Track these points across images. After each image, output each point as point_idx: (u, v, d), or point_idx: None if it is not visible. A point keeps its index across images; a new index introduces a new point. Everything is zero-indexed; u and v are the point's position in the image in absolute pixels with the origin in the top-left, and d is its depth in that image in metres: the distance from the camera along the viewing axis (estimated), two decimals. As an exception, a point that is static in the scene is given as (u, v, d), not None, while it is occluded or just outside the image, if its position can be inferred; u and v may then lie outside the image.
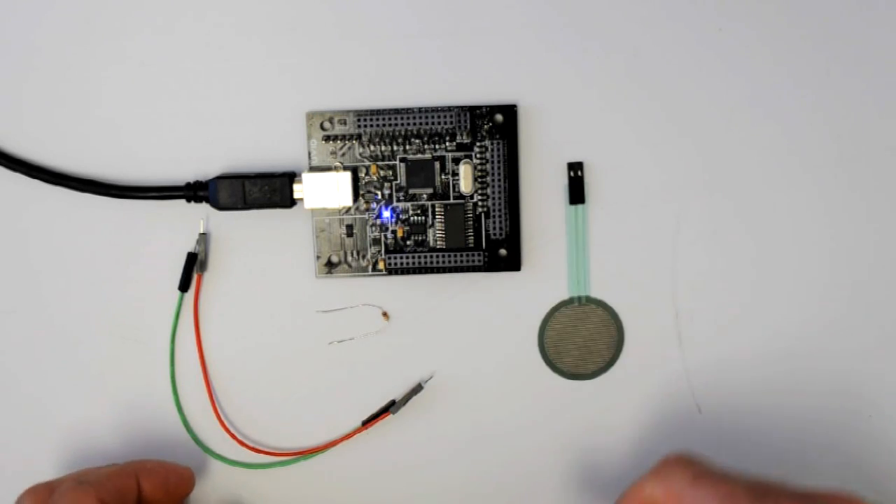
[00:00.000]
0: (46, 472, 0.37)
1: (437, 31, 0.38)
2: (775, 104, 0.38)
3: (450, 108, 0.38)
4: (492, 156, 0.38)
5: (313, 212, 0.38)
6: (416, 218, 0.38)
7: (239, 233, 0.39)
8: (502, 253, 0.38)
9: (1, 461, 0.40)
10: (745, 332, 0.39)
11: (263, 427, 0.40)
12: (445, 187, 0.38)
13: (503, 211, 0.38)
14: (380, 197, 0.38)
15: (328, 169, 0.38)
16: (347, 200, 0.38)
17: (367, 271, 0.38)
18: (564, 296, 0.39)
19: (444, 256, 0.38)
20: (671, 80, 0.38)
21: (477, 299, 0.39)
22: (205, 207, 0.38)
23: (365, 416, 0.39)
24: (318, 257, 0.38)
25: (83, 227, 0.39)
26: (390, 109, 0.38)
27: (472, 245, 0.38)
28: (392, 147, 0.38)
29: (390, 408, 0.39)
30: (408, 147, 0.38)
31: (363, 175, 0.38)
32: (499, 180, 0.38)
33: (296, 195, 0.38)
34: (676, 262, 0.39)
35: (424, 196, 0.38)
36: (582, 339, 0.39)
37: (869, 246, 0.39)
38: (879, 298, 0.39)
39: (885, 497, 0.39)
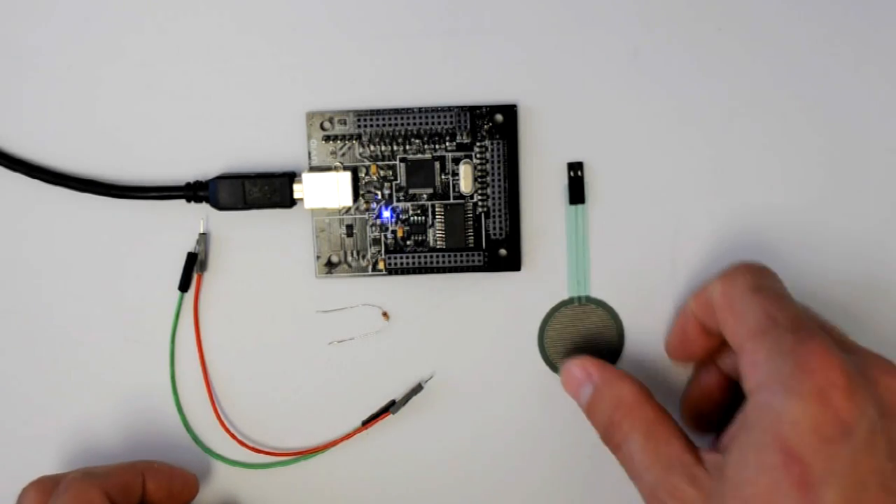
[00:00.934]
0: (46, 471, 0.37)
1: (437, 31, 0.38)
2: (775, 104, 0.38)
3: (450, 108, 0.38)
4: (492, 156, 0.38)
5: (313, 212, 0.38)
6: (416, 218, 0.38)
7: (239, 233, 0.39)
8: (502, 253, 0.38)
9: (2, 460, 0.40)
10: (745, 332, 0.39)
11: (263, 427, 0.40)
12: (445, 187, 0.38)
13: (503, 211, 0.38)
14: (380, 197, 0.38)
15: (328, 169, 0.38)
16: (347, 200, 0.38)
17: (367, 271, 0.38)
18: (564, 296, 0.39)
19: (444, 256, 0.38)
20: (671, 80, 0.38)
21: (477, 299, 0.39)
22: (205, 207, 0.38)
23: (365, 416, 0.39)
24: (318, 257, 0.38)
25: (83, 227, 0.39)
26: (390, 109, 0.38)
27: (472, 245, 0.38)
28: (392, 147, 0.38)
29: (390, 408, 0.39)
30: (408, 147, 0.38)
31: (363, 175, 0.38)
32: (499, 180, 0.38)
33: (296, 195, 0.38)
34: (676, 262, 0.39)
35: (424, 196, 0.38)
36: (582, 340, 0.39)
37: (869, 246, 0.39)
38: (879, 298, 0.39)
39: None
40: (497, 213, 0.38)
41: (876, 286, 0.39)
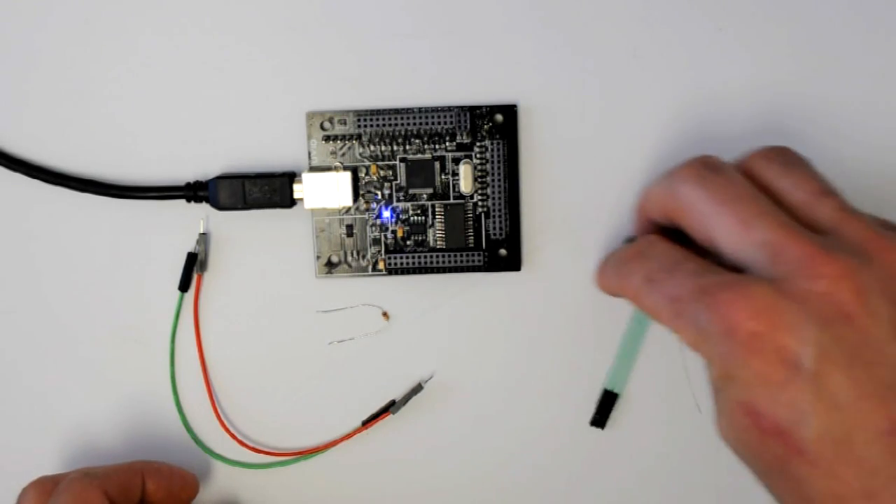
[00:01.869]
0: (47, 471, 0.37)
1: (437, 31, 0.38)
2: (775, 104, 0.38)
3: (450, 108, 0.38)
4: (492, 156, 0.38)
5: (313, 212, 0.38)
6: (416, 218, 0.38)
7: (239, 233, 0.39)
8: (502, 253, 0.38)
9: (1, 461, 0.40)
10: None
11: (263, 427, 0.40)
12: (445, 187, 0.38)
13: (503, 211, 0.38)
14: (380, 197, 0.38)
15: (328, 169, 0.38)
16: (347, 200, 0.38)
17: (367, 271, 0.38)
18: (564, 295, 0.39)
19: (444, 256, 0.38)
20: (671, 79, 0.38)
21: (477, 299, 0.39)
22: (205, 207, 0.38)
23: (365, 416, 0.39)
24: (318, 257, 0.38)
25: (83, 227, 0.39)
26: (390, 109, 0.38)
27: (472, 245, 0.38)
28: (392, 147, 0.38)
29: (390, 408, 0.39)
30: (408, 147, 0.38)
31: (363, 175, 0.38)
32: (499, 180, 0.38)
33: (296, 195, 0.38)
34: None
35: (424, 196, 0.38)
36: None
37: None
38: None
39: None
40: (497, 213, 0.38)
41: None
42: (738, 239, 0.30)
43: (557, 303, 0.39)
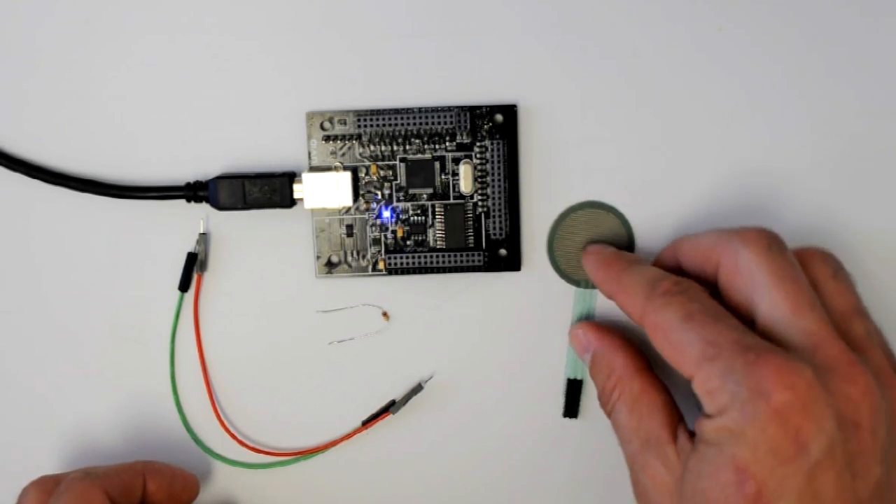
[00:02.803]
0: (46, 471, 0.37)
1: (437, 31, 0.38)
2: (775, 104, 0.38)
3: (450, 108, 0.38)
4: (492, 156, 0.38)
5: (313, 212, 0.38)
6: (416, 218, 0.38)
7: (239, 233, 0.39)
8: (502, 253, 0.38)
9: (2, 461, 0.40)
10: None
11: (263, 427, 0.40)
12: (445, 187, 0.38)
13: (503, 211, 0.38)
14: (380, 197, 0.38)
15: (328, 169, 0.38)
16: (347, 200, 0.38)
17: (367, 271, 0.38)
18: (564, 295, 0.39)
19: (444, 256, 0.38)
20: (671, 79, 0.38)
21: (477, 299, 0.39)
22: (205, 207, 0.38)
23: (365, 416, 0.39)
24: (318, 257, 0.38)
25: (83, 227, 0.39)
26: (390, 109, 0.38)
27: (472, 245, 0.38)
28: (392, 147, 0.38)
29: (390, 408, 0.39)
30: (408, 147, 0.38)
31: (363, 175, 0.38)
32: (499, 180, 0.38)
33: (296, 195, 0.38)
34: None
35: (424, 196, 0.38)
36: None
37: (868, 246, 0.39)
38: (878, 297, 0.39)
39: None
40: (497, 213, 0.38)
41: (876, 282, 0.39)
42: (785, 319, 0.31)
43: (557, 303, 0.39)
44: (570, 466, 0.40)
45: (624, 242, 0.38)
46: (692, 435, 0.32)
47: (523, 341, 0.39)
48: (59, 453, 0.40)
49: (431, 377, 0.39)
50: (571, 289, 0.39)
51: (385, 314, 0.39)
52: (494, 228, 0.38)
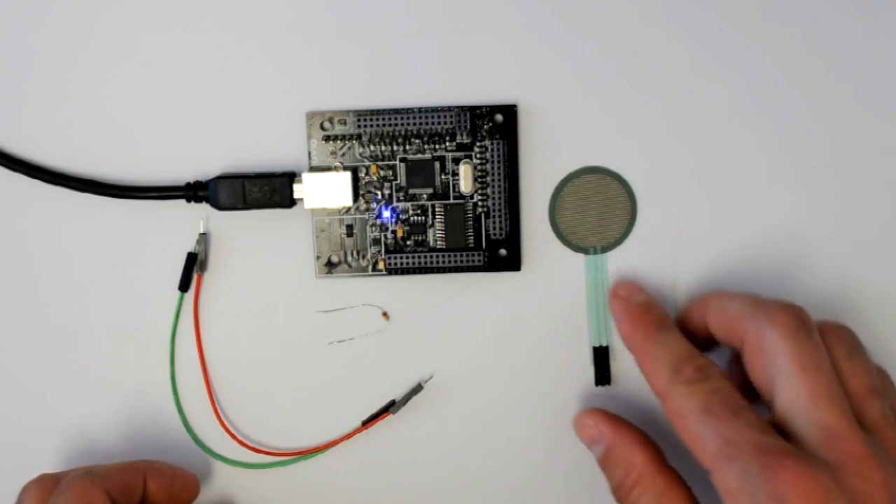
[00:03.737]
0: (47, 471, 0.37)
1: (437, 31, 0.38)
2: (775, 104, 0.38)
3: (450, 108, 0.38)
4: (492, 156, 0.38)
5: (313, 212, 0.38)
6: (416, 218, 0.38)
7: (239, 233, 0.39)
8: (502, 253, 0.38)
9: (2, 460, 0.40)
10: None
11: (263, 427, 0.40)
12: (445, 187, 0.38)
13: (503, 211, 0.38)
14: (380, 197, 0.38)
15: (328, 169, 0.38)
16: (347, 200, 0.38)
17: (367, 271, 0.38)
18: (565, 298, 0.39)
19: (444, 256, 0.38)
20: (671, 80, 0.38)
21: (477, 299, 0.39)
22: (205, 207, 0.38)
23: (365, 416, 0.39)
24: (318, 257, 0.38)
25: (83, 227, 0.39)
26: (390, 109, 0.38)
27: (472, 245, 0.38)
28: (392, 147, 0.38)
29: (390, 408, 0.39)
30: (408, 147, 0.38)
31: (363, 175, 0.38)
32: (499, 180, 0.38)
33: (296, 195, 0.38)
34: (676, 263, 0.39)
35: (424, 196, 0.38)
36: (595, 213, 0.38)
37: (867, 246, 0.39)
38: (878, 297, 0.39)
39: None
40: (497, 213, 0.38)
41: (875, 282, 0.39)
42: (802, 409, 0.31)
43: (557, 303, 0.39)
44: (569, 467, 0.40)
45: (627, 211, 0.38)
46: None
47: (523, 341, 0.39)
48: (59, 453, 0.40)
49: (431, 377, 0.39)
50: (572, 289, 0.39)
51: (385, 314, 0.39)
52: (494, 228, 0.38)
